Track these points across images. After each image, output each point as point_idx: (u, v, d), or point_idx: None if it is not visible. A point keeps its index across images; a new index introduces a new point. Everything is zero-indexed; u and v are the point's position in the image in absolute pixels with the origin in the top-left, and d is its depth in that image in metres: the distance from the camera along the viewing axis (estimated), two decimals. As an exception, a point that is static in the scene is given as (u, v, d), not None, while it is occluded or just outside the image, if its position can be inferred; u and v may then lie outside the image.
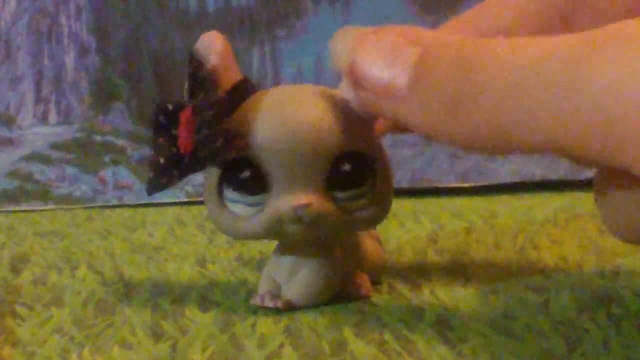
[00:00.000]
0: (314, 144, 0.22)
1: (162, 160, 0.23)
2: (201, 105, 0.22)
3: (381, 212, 0.24)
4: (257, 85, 0.24)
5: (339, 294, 0.25)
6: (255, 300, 0.25)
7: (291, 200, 0.22)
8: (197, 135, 0.22)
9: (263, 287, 0.25)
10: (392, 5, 0.56)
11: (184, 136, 0.22)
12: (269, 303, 0.24)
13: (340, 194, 0.23)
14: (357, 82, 0.19)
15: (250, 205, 0.23)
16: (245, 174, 0.23)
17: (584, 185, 0.52)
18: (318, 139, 0.22)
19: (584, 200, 0.48)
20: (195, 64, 0.22)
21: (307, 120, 0.22)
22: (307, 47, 0.57)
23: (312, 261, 0.24)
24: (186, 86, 0.23)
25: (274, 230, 0.23)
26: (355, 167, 0.23)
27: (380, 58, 0.18)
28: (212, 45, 0.23)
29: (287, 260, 0.25)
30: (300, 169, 0.22)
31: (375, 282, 0.27)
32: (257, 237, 0.24)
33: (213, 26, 0.57)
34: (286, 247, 0.25)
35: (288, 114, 0.22)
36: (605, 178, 0.19)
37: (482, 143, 0.16)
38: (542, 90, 0.14)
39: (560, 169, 0.53)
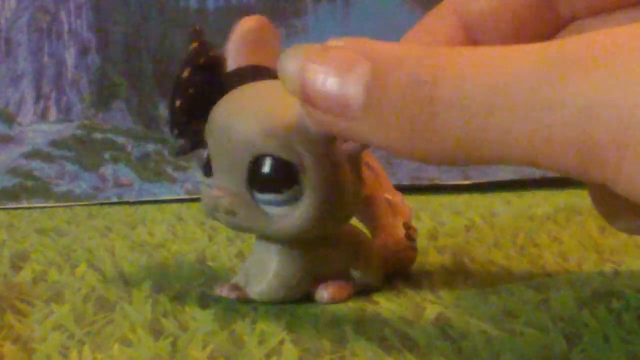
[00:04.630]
0: (234, 141, 0.23)
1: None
2: (177, 84, 0.24)
3: (307, 226, 0.23)
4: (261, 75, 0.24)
5: (307, 295, 0.25)
6: (216, 290, 0.26)
7: (212, 190, 0.24)
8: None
9: (235, 277, 0.26)
10: (392, 4, 0.56)
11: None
12: (224, 293, 0.26)
13: (258, 195, 0.23)
14: (309, 102, 0.17)
15: (207, 186, 0.24)
16: (202, 155, 0.24)
17: (584, 183, 0.52)
18: (238, 136, 0.23)
19: (584, 198, 0.47)
20: (192, 41, 0.24)
21: (234, 116, 0.23)
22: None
23: (278, 259, 0.25)
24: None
25: (212, 213, 0.24)
26: (274, 172, 0.22)
27: (330, 76, 0.17)
28: (233, 31, 0.25)
29: (259, 255, 0.25)
30: (225, 161, 0.23)
31: (400, 274, 0.27)
32: (208, 216, 0.26)
33: (213, 25, 0.57)
34: (260, 243, 0.26)
35: (226, 107, 0.23)
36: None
37: (450, 159, 0.15)
38: (512, 109, 0.14)
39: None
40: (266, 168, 0.23)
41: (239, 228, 0.24)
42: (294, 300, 0.25)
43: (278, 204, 0.23)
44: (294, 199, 0.23)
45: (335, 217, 0.24)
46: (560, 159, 0.14)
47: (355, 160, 0.24)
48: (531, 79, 0.14)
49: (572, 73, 0.13)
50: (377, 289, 0.26)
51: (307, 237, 0.24)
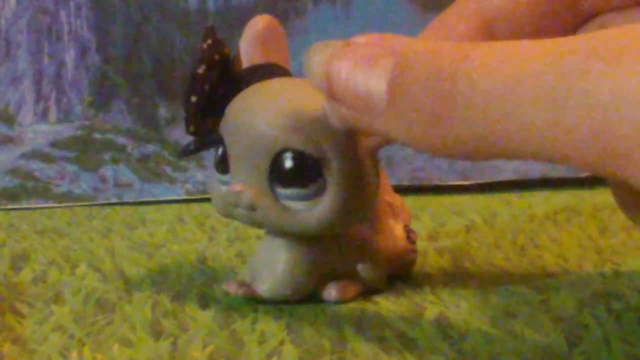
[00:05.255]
0: (256, 136, 0.23)
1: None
2: (192, 80, 0.23)
3: (330, 220, 0.23)
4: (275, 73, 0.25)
5: (314, 294, 0.25)
6: (223, 285, 0.26)
7: (232, 185, 0.24)
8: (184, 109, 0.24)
9: (240, 274, 0.26)
10: (392, 4, 0.56)
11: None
12: (231, 289, 0.25)
13: (280, 190, 0.23)
14: (333, 97, 0.18)
15: (223, 183, 0.25)
16: (218, 152, 0.24)
17: (584, 183, 0.52)
18: (260, 131, 0.23)
19: (585, 199, 0.48)
20: (205, 39, 0.24)
21: (255, 111, 0.23)
22: (307, 47, 0.57)
23: (287, 257, 0.25)
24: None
25: (226, 210, 0.24)
26: (298, 166, 0.22)
27: (355, 72, 0.17)
28: (246, 30, 0.25)
29: (266, 252, 0.25)
30: (246, 157, 0.23)
31: (401, 277, 0.27)
32: (221, 214, 0.25)
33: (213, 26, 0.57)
34: (268, 239, 0.25)
35: (246, 103, 0.23)
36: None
37: (467, 153, 0.15)
38: (533, 102, 0.14)
39: (561, 167, 0.53)
40: (290, 162, 0.22)
41: (257, 224, 0.24)
42: (297, 299, 0.25)
43: (301, 198, 0.23)
44: (317, 194, 0.23)
45: (357, 213, 0.24)
46: (580, 154, 0.13)
47: (374, 156, 0.24)
48: (553, 73, 0.13)
49: (595, 67, 0.13)
50: (379, 290, 0.26)
51: (327, 234, 0.24)
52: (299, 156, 0.22)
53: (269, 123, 0.22)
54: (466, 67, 0.15)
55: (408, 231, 0.28)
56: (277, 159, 0.23)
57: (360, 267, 0.26)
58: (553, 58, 0.14)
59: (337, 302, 0.25)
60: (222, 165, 0.24)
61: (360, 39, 0.17)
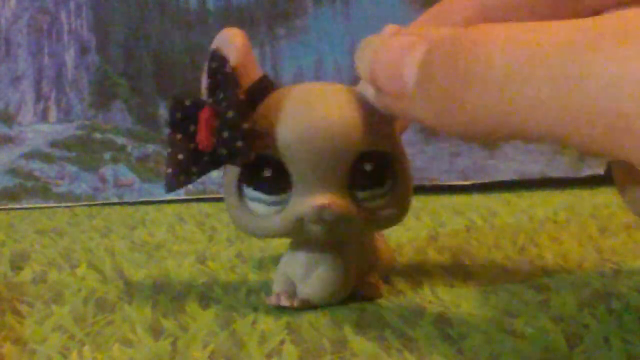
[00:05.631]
0: (336, 143, 0.22)
1: (180, 157, 0.23)
2: (222, 106, 0.22)
3: (401, 212, 0.24)
4: (275, 82, 0.24)
5: (353, 293, 0.25)
6: (271, 300, 0.24)
7: (313, 200, 0.22)
8: (218, 136, 0.22)
9: (278, 286, 0.25)
10: (392, 4, 0.56)
11: (205, 135, 0.22)
12: (285, 302, 0.24)
13: (361, 194, 0.23)
14: (377, 86, 0.19)
15: (270, 204, 0.23)
16: (266, 173, 0.22)
17: (584, 183, 0.52)
18: (339, 138, 0.22)
19: (585, 199, 0.48)
20: (216, 62, 0.22)
21: (329, 119, 0.22)
22: (307, 47, 0.57)
23: (328, 260, 0.24)
24: (205, 84, 0.23)
25: (295, 230, 0.23)
26: (377, 166, 0.23)
27: (393, 60, 0.18)
28: (233, 43, 0.22)
29: (302, 258, 0.24)
30: (322, 168, 0.22)
31: (384, 281, 0.27)
32: (277, 235, 0.23)
33: (213, 25, 0.57)
34: (301, 245, 0.25)
35: (310, 113, 0.22)
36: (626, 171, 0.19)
37: (481, 133, 0.16)
38: (544, 81, 0.14)
39: (561, 167, 0.53)
40: (370, 164, 0.22)
41: (333, 236, 0.23)
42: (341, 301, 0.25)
43: (379, 197, 0.23)
44: (392, 189, 0.23)
45: (411, 199, 0.24)
46: (587, 131, 0.14)
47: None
48: (563, 52, 0.14)
49: (603, 46, 0.13)
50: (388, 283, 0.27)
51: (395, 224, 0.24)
52: (376, 156, 0.22)
53: (345, 129, 0.22)
54: (479, 47, 0.15)
55: None
56: (357, 163, 0.22)
57: (379, 266, 0.26)
58: (562, 39, 0.14)
59: (377, 299, 0.25)
60: (274, 185, 0.23)
61: (406, 30, 0.19)
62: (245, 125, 0.21)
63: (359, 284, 0.25)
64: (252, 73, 0.23)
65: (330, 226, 0.22)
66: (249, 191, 0.23)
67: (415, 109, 0.17)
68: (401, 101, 0.18)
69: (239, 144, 0.21)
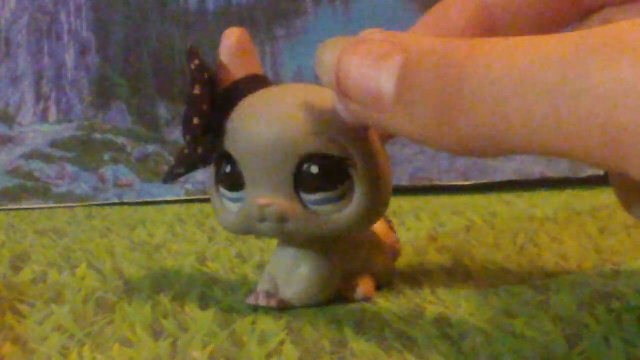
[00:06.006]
0: (277, 145, 0.22)
1: (196, 122, 0.23)
2: (191, 102, 0.23)
3: (361, 219, 0.23)
4: (272, 82, 0.24)
5: (338, 295, 0.25)
6: (250, 299, 0.25)
7: (257, 199, 0.23)
8: (186, 133, 0.23)
9: (261, 286, 0.25)
10: (392, 4, 0.56)
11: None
12: (262, 302, 0.24)
13: (307, 197, 0.22)
14: (344, 93, 0.18)
15: (232, 200, 0.24)
16: (225, 169, 0.23)
17: (584, 183, 0.52)
18: (281, 140, 0.22)
19: (585, 199, 0.48)
20: (192, 59, 0.23)
21: (272, 120, 0.22)
22: (307, 47, 0.57)
23: (310, 261, 0.24)
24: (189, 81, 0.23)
25: (248, 226, 0.23)
26: (324, 170, 0.22)
27: (364, 68, 0.17)
28: (223, 43, 0.23)
29: (285, 259, 0.25)
30: (266, 168, 0.22)
31: (379, 287, 0.27)
32: (238, 232, 0.24)
33: (213, 26, 0.58)
34: (285, 247, 0.25)
35: (257, 114, 0.22)
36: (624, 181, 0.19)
37: (475, 149, 0.16)
38: (538, 97, 0.14)
39: (561, 167, 0.53)
40: (316, 167, 0.22)
41: (285, 235, 0.23)
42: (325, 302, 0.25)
43: (330, 201, 0.22)
44: (346, 195, 0.23)
45: (381, 209, 0.23)
46: (584, 147, 0.14)
47: (385, 150, 0.24)
48: (559, 66, 0.14)
49: (598, 59, 0.13)
50: (384, 286, 0.26)
51: (354, 234, 0.24)
52: (324, 159, 0.22)
53: (288, 130, 0.22)
54: (473, 61, 0.15)
55: (389, 222, 0.29)
56: (301, 166, 0.22)
57: (376, 267, 0.26)
58: (558, 52, 0.14)
59: (367, 300, 0.25)
60: (232, 182, 0.23)
61: (371, 36, 0.18)
62: (195, 121, 0.22)
63: (348, 286, 0.25)
64: (240, 72, 0.23)
65: (277, 225, 0.23)
66: (221, 189, 0.24)
67: (395, 122, 0.17)
68: (377, 113, 0.17)
69: (188, 137, 0.23)
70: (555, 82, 0.14)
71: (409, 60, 0.16)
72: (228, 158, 0.23)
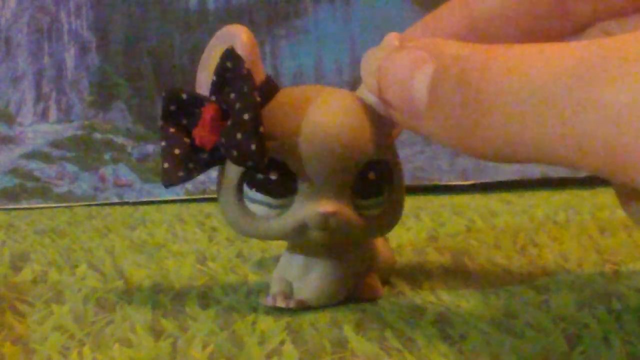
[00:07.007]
0: (347, 151, 0.22)
1: (177, 152, 0.22)
2: (236, 107, 0.21)
3: (394, 219, 0.24)
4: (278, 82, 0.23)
5: (351, 294, 0.25)
6: (267, 301, 0.24)
7: (318, 206, 0.22)
8: (227, 136, 0.21)
9: (275, 287, 0.25)
10: (392, 4, 0.56)
11: (206, 133, 0.22)
12: (281, 303, 0.24)
13: (362, 202, 0.23)
14: (385, 100, 0.19)
15: (272, 207, 0.22)
16: (272, 176, 0.22)
17: (584, 183, 0.52)
18: (351, 146, 0.22)
19: (585, 199, 0.48)
20: (232, 61, 0.22)
21: (341, 126, 0.22)
22: (307, 47, 0.57)
23: (325, 261, 0.24)
24: (203, 80, 0.23)
25: (296, 234, 0.22)
26: (379, 175, 0.23)
27: (401, 76, 0.18)
28: (241, 42, 0.22)
29: (299, 260, 0.24)
30: (331, 175, 0.22)
31: (384, 283, 0.27)
32: (275, 238, 0.23)
33: (213, 26, 0.57)
34: (298, 248, 0.25)
35: (322, 120, 0.22)
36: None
37: (495, 156, 0.16)
38: (548, 109, 0.14)
39: (561, 167, 0.53)
40: (374, 173, 0.22)
41: (336, 241, 0.23)
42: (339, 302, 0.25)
43: (378, 205, 0.23)
44: (389, 198, 0.23)
45: (403, 209, 0.24)
46: (591, 160, 0.14)
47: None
48: (567, 81, 0.14)
49: (605, 76, 0.13)
50: (387, 283, 0.27)
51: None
52: (378, 165, 0.22)
53: (357, 138, 0.22)
54: (491, 72, 0.15)
55: None
56: (362, 172, 0.22)
57: (379, 266, 0.26)
58: (567, 66, 0.14)
59: (377, 299, 0.25)
60: (279, 189, 0.22)
61: (412, 42, 0.18)
62: (262, 129, 0.21)
63: (357, 285, 0.25)
64: (259, 73, 0.22)
65: (332, 233, 0.22)
66: (252, 193, 0.22)
67: (428, 129, 0.18)
68: (412, 119, 0.18)
69: (253, 147, 0.21)
70: (562, 95, 0.14)
71: (439, 67, 0.17)
72: (272, 163, 0.22)
